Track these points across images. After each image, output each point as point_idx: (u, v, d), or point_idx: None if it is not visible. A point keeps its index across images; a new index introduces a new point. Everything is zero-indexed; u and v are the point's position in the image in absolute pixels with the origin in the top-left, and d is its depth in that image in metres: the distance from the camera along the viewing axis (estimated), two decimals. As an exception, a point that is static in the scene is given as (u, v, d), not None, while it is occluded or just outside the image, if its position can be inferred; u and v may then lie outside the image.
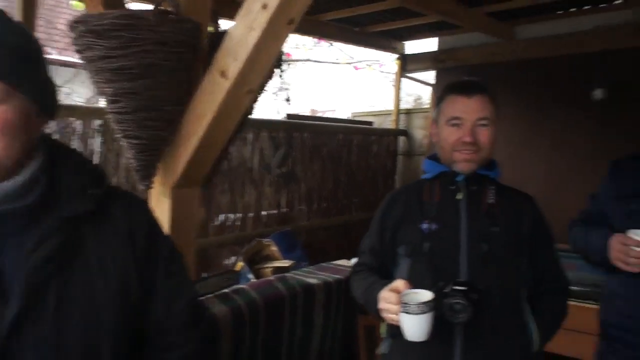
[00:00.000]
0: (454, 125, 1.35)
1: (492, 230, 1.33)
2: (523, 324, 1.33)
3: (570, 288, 1.47)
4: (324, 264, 2.63)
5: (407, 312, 1.15)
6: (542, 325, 1.34)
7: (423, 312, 1.14)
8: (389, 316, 1.22)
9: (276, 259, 2.70)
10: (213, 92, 1.46)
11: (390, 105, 4.80)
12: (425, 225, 1.36)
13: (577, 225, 1.74)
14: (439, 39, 4.23)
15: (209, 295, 1.82)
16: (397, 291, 1.21)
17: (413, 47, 4.62)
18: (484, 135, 1.34)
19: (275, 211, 3.75)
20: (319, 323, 2.14)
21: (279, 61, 1.62)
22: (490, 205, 1.36)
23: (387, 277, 1.39)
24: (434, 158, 1.46)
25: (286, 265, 2.52)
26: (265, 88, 1.66)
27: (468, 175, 1.37)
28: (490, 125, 1.36)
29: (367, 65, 4.95)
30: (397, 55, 4.49)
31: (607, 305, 1.63)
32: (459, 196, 1.37)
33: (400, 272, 1.39)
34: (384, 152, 4.56)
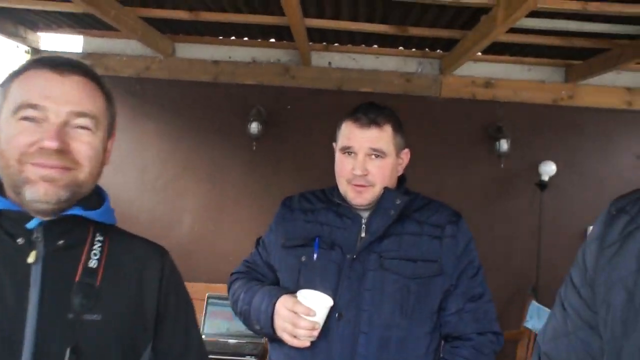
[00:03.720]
0: (24, 121, 0.79)
1: (87, 319, 0.79)
2: None
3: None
4: None
5: None
6: None
7: None
8: None
9: None
10: None
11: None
12: None
13: (239, 279, 1.37)
14: (85, 38, 3.50)
15: None
16: None
17: (54, 42, 3.71)
18: (81, 146, 0.81)
19: None
20: None
21: None
22: (91, 273, 0.82)
23: None
24: None
25: None
26: None
27: (51, 220, 0.80)
28: (94, 135, 0.82)
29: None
30: (27, 48, 3.50)
31: None
32: (31, 258, 0.78)
33: None
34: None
